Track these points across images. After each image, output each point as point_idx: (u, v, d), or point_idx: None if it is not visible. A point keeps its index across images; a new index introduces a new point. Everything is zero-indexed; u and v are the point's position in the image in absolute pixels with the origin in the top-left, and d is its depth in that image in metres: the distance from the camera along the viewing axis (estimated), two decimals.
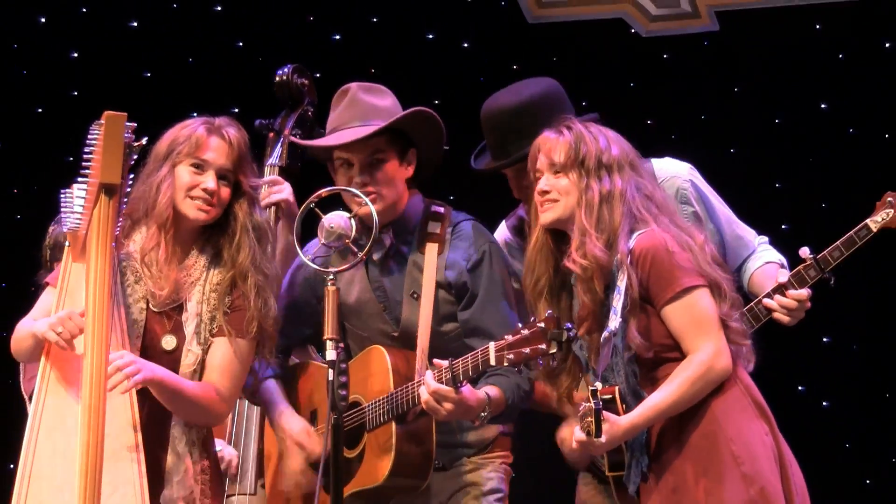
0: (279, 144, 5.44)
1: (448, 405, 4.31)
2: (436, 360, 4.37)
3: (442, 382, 4.30)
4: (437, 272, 4.63)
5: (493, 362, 4.21)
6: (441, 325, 4.63)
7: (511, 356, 4.18)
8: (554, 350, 4.16)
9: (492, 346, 4.22)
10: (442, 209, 4.74)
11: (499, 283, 4.64)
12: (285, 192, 5.12)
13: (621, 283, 4.17)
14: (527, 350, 4.17)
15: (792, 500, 4.16)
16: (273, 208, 5.12)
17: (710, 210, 4.78)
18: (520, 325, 4.24)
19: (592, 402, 4.03)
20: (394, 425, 4.48)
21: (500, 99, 4.76)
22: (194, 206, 4.38)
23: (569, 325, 4.19)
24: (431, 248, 4.65)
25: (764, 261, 4.75)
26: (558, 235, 4.32)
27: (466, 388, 4.33)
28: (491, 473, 4.72)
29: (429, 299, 4.61)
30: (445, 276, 4.63)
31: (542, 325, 4.16)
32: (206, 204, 4.38)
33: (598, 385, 4.06)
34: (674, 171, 4.78)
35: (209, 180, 4.38)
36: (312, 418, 4.75)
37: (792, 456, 4.23)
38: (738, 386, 4.22)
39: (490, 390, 4.43)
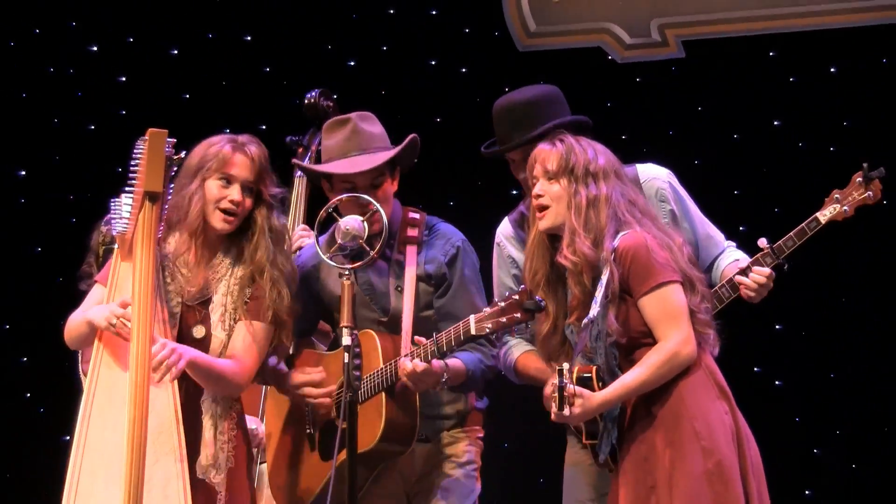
0: (307, 158, 5.45)
1: (428, 378, 4.38)
2: (417, 338, 4.41)
3: (428, 354, 4.35)
4: (416, 268, 4.68)
5: (473, 332, 4.26)
6: (422, 311, 4.67)
7: (489, 325, 4.24)
8: (527, 319, 4.22)
9: (472, 317, 4.27)
10: (417, 215, 4.79)
11: (469, 274, 4.71)
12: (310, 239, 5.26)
13: (604, 277, 4.19)
14: (503, 319, 4.23)
15: (746, 472, 4.17)
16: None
17: (685, 210, 4.79)
18: (496, 298, 4.31)
19: (557, 380, 4.08)
20: (384, 396, 4.50)
21: (510, 97, 4.81)
22: (220, 218, 4.43)
23: (538, 297, 4.23)
24: (411, 249, 4.70)
25: (733, 258, 4.74)
26: (553, 234, 4.33)
27: (435, 361, 4.39)
28: (468, 447, 4.74)
29: (411, 291, 4.65)
30: (425, 269, 4.68)
31: (517, 297, 4.22)
32: (231, 215, 4.42)
33: (565, 366, 4.10)
34: (655, 174, 4.79)
35: (235, 192, 4.42)
36: None
37: (749, 433, 4.24)
38: (702, 370, 4.23)
39: (450, 360, 4.47)
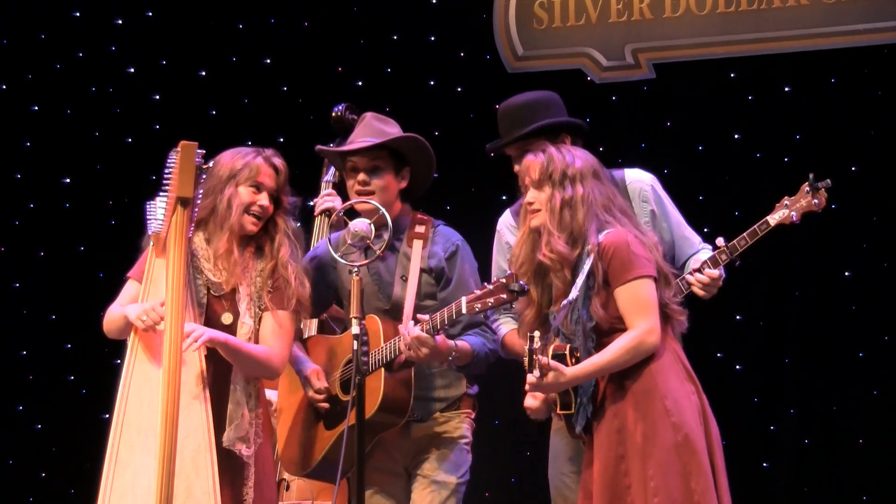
0: (332, 166, 5.47)
1: (424, 349, 4.37)
2: (419, 315, 4.42)
3: (424, 331, 4.35)
4: (421, 261, 4.68)
5: (464, 311, 4.28)
6: (423, 300, 4.67)
7: (478, 305, 4.25)
8: (512, 299, 4.24)
9: (463, 298, 4.29)
10: (425, 217, 4.80)
11: (466, 269, 4.71)
12: (336, 201, 5.27)
13: (587, 266, 4.19)
14: (491, 300, 4.24)
15: (712, 446, 4.19)
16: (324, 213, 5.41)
17: (664, 212, 4.80)
18: (485, 283, 4.30)
19: (528, 345, 4.09)
20: (383, 372, 4.50)
21: (512, 99, 4.87)
22: (250, 221, 4.44)
23: (521, 282, 4.22)
24: (417, 244, 4.71)
25: (697, 260, 4.74)
26: (540, 232, 4.34)
27: (439, 337, 4.40)
28: (460, 424, 4.74)
29: (414, 281, 4.66)
30: (428, 263, 4.69)
31: (504, 280, 4.23)
32: (258, 218, 4.44)
33: (536, 334, 4.10)
34: (639, 177, 4.82)
35: (264, 199, 4.44)
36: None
37: (711, 412, 4.25)
38: (672, 354, 4.24)
39: (459, 342, 4.51)
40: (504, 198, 5.26)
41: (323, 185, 5.65)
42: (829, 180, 4.62)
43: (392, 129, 4.77)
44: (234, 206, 4.41)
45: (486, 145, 4.86)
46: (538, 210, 4.32)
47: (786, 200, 4.63)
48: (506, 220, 4.89)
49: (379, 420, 4.52)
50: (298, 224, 4.66)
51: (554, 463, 4.73)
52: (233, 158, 4.48)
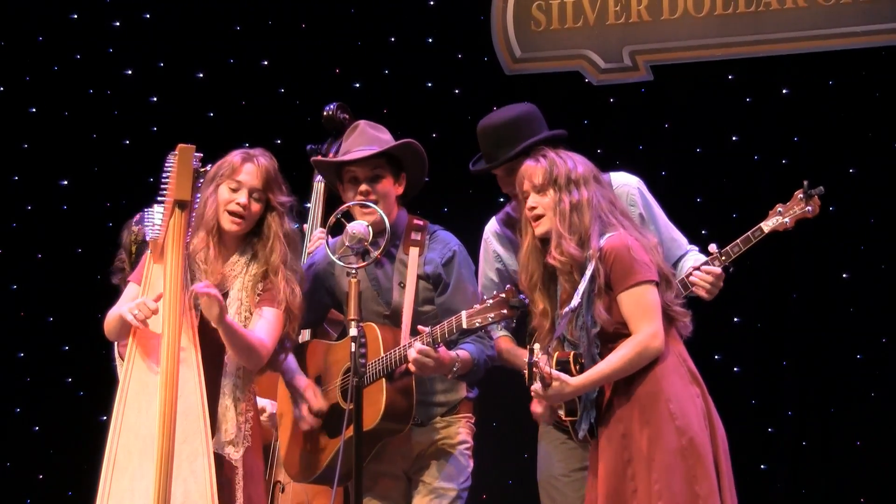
0: None
1: (429, 361, 4.36)
2: (419, 327, 4.42)
3: (424, 344, 4.35)
4: (418, 268, 4.67)
5: (465, 326, 4.28)
6: (421, 306, 4.67)
7: (479, 320, 4.27)
8: (513, 315, 4.25)
9: (464, 313, 4.30)
10: (421, 222, 4.79)
11: (464, 274, 4.70)
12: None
13: (588, 272, 4.20)
14: (491, 315, 4.25)
15: (717, 449, 4.19)
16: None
17: (651, 214, 4.79)
18: (485, 297, 4.30)
19: (528, 357, 4.10)
20: (384, 381, 4.50)
21: (492, 117, 4.79)
22: (229, 220, 4.44)
23: (522, 295, 4.24)
24: (414, 250, 4.70)
25: (695, 260, 4.73)
26: (545, 239, 4.34)
27: (442, 349, 4.39)
28: (460, 429, 4.73)
29: (412, 288, 4.65)
30: (425, 270, 4.68)
31: (504, 295, 4.23)
32: (238, 217, 4.43)
33: (537, 346, 4.14)
34: (625, 181, 4.80)
35: (242, 196, 4.43)
36: (317, 381, 4.78)
37: (717, 414, 4.26)
38: (677, 357, 4.25)
39: (460, 351, 4.50)
40: (501, 199, 5.25)
41: (315, 185, 5.63)
42: (822, 187, 4.62)
43: (385, 136, 4.77)
44: (212, 205, 4.43)
45: (470, 166, 4.84)
46: (541, 215, 4.32)
47: (779, 207, 4.64)
48: (492, 228, 4.88)
49: (383, 428, 4.52)
50: (297, 225, 4.66)
51: (542, 467, 4.73)
52: (220, 161, 4.50)
